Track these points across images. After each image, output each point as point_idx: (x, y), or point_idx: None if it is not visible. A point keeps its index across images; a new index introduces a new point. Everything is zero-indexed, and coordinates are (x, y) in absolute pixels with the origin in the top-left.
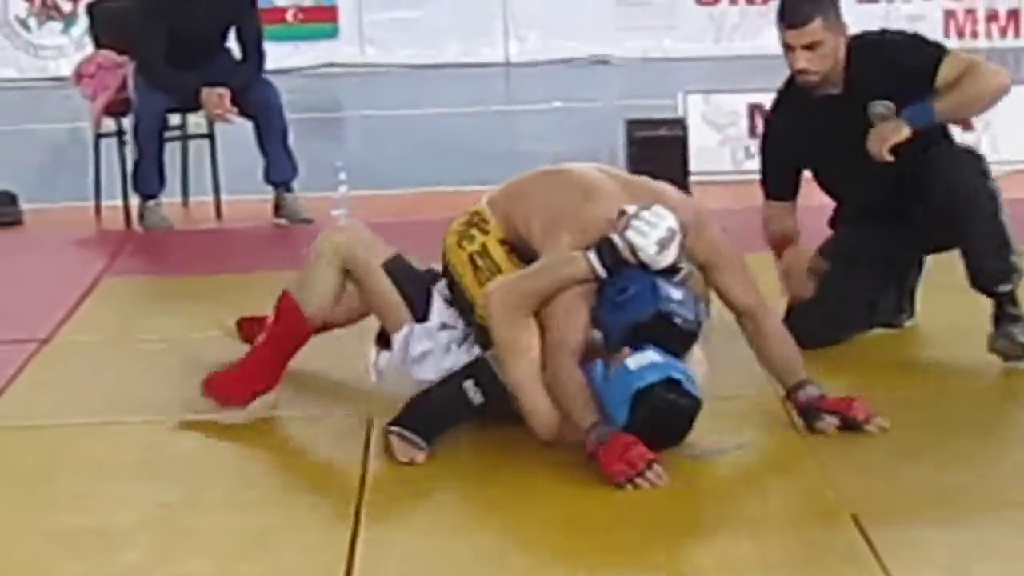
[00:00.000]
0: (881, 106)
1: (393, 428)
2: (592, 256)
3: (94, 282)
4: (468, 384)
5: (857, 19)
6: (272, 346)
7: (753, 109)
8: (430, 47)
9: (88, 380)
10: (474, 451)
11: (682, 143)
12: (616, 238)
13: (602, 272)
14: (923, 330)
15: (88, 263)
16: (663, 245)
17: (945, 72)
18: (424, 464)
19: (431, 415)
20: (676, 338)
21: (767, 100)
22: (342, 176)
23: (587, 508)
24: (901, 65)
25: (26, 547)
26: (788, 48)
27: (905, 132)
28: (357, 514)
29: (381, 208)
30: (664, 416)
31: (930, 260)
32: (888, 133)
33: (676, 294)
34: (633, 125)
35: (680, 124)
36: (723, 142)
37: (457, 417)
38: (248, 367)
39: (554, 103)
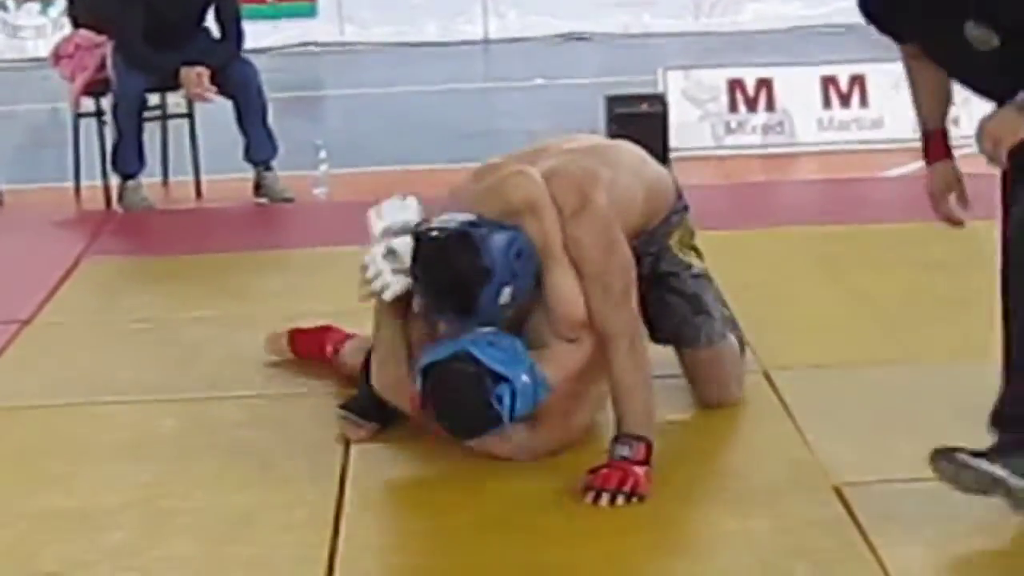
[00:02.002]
0: (979, 30)
1: (339, 410)
2: None
3: (75, 263)
4: None
5: None
6: None
7: (733, 85)
8: (409, 25)
9: (70, 361)
10: None
11: (662, 119)
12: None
13: None
14: (902, 302)
15: (68, 244)
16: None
17: None
18: (408, 444)
19: (372, 395)
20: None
21: (747, 76)
22: (322, 155)
23: (571, 484)
24: None
25: (9, 529)
26: None
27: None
28: (341, 493)
29: (361, 186)
30: (442, 384)
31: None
32: (1005, 129)
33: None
34: (613, 101)
35: (660, 100)
36: (703, 118)
37: None
38: None
39: (535, 80)
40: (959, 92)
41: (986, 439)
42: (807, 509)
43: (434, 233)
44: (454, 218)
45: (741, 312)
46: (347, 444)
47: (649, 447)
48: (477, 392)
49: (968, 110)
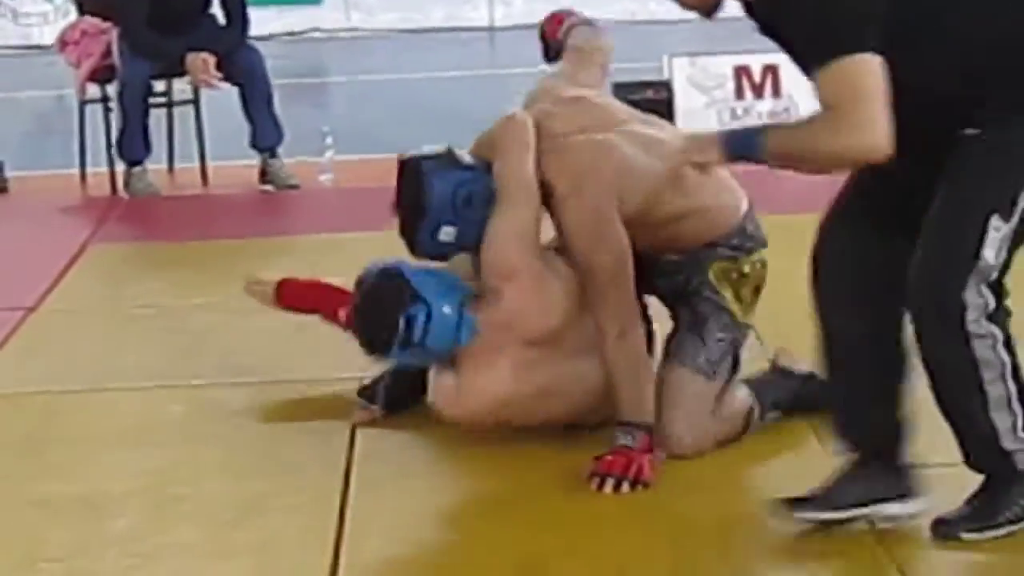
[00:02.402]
0: None
1: (359, 397)
2: None
3: (80, 249)
4: None
5: None
6: None
7: (739, 71)
8: (415, 11)
9: (75, 347)
10: None
11: (668, 106)
12: None
13: None
14: None
15: (74, 230)
16: None
17: (822, 88)
18: (414, 430)
19: (389, 383)
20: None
21: (753, 62)
22: (328, 141)
23: (576, 471)
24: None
25: (14, 516)
26: None
27: (714, 157)
28: (347, 479)
29: (366, 173)
30: (365, 294)
31: None
32: (695, 149)
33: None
34: (619, 88)
35: (666, 87)
36: (709, 105)
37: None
38: None
39: (540, 66)
40: None
41: None
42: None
43: (405, 158)
44: (434, 150)
45: None
46: (353, 430)
47: (650, 434)
48: (391, 304)
49: None
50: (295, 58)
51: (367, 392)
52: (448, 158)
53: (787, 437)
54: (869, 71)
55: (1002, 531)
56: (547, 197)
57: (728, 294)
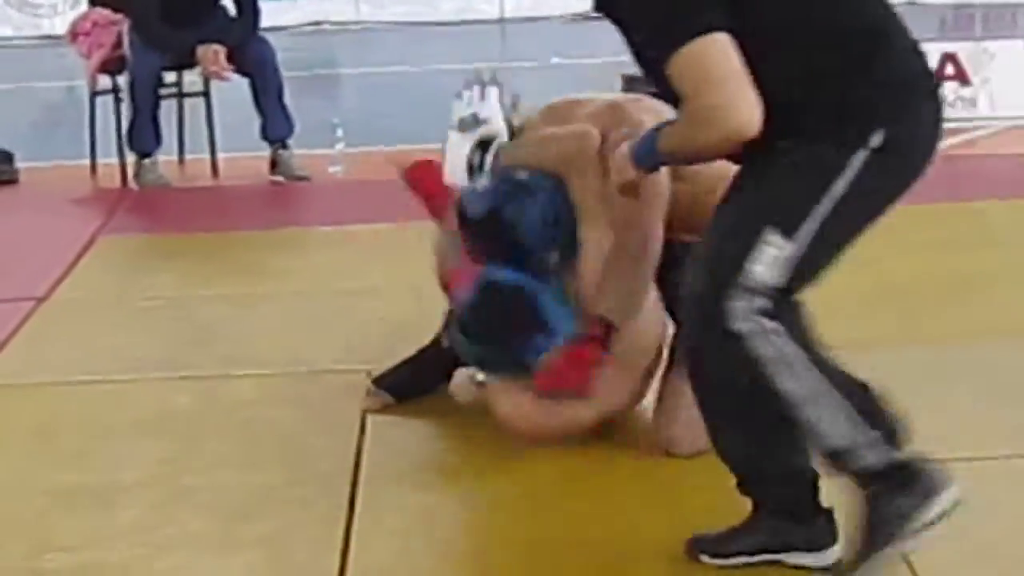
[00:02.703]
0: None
1: (370, 384)
2: None
3: (91, 240)
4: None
5: None
6: None
7: None
8: (424, 4)
9: (86, 338)
10: (477, 412)
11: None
12: None
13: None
14: (920, 283)
15: (84, 221)
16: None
17: (675, 80)
18: (425, 421)
19: (403, 372)
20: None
21: None
22: (339, 133)
23: (591, 464)
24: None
25: (25, 506)
26: None
27: (630, 174)
28: (356, 469)
29: (377, 165)
30: (501, 298)
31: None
32: (618, 168)
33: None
34: (629, 81)
35: None
36: None
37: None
38: None
39: (550, 59)
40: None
41: (1004, 417)
42: (830, 488)
43: (474, 207)
44: (496, 181)
45: None
46: (363, 421)
47: (608, 330)
48: (517, 326)
49: (987, 90)
50: (306, 50)
51: (382, 381)
52: (517, 184)
53: None
54: (716, 51)
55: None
56: None
57: None
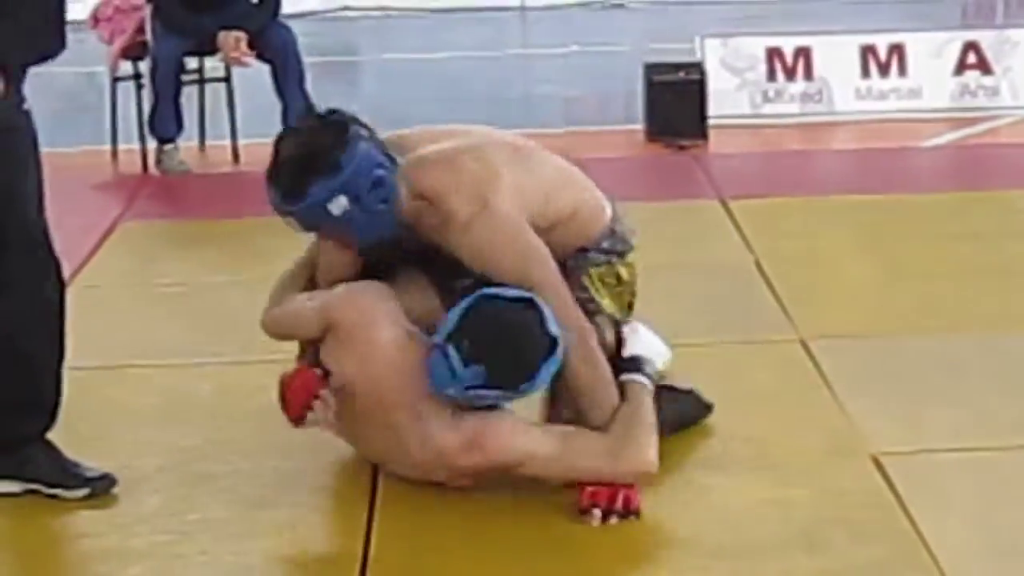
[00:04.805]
0: None
1: None
2: None
3: (112, 226)
4: None
5: None
6: None
7: (771, 53)
8: None
9: (106, 324)
10: None
11: (700, 87)
12: None
13: None
14: (939, 272)
15: (105, 207)
16: None
17: None
18: None
19: None
20: None
21: (785, 44)
22: None
23: None
24: None
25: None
26: None
27: None
28: None
29: None
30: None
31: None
32: None
33: None
34: (651, 69)
35: (698, 68)
36: (741, 86)
37: None
38: None
39: (571, 47)
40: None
41: (1021, 406)
42: (845, 479)
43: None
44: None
45: (778, 281)
46: None
47: None
48: (533, 345)
49: (1009, 79)
50: (326, 36)
51: None
52: (378, 139)
53: (822, 415)
54: None
55: None
56: (435, 225)
57: (606, 301)
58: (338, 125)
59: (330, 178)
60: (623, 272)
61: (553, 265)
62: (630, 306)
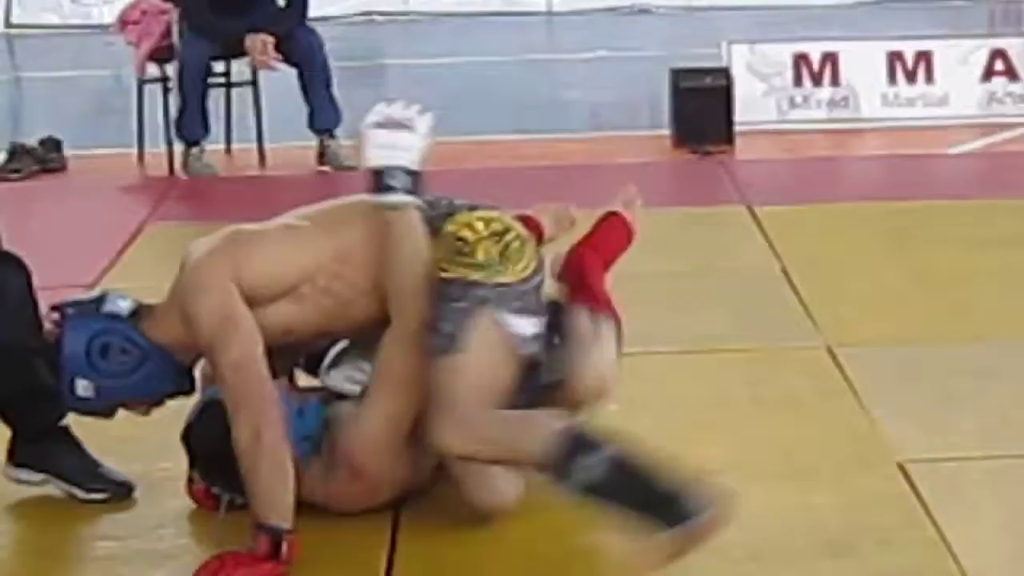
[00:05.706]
0: None
1: None
2: None
3: (138, 228)
4: None
5: None
6: None
7: (798, 59)
8: None
9: None
10: None
11: (727, 93)
12: None
13: None
14: (966, 279)
15: (132, 209)
16: None
17: None
18: None
19: None
20: None
21: (812, 50)
22: None
23: None
24: None
25: None
26: None
27: None
28: None
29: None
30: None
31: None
32: None
33: None
34: (677, 75)
35: (725, 74)
36: (768, 92)
37: None
38: None
39: (597, 52)
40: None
41: None
42: (871, 485)
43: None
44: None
45: (804, 287)
46: None
47: (278, 539)
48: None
49: None
50: (353, 41)
51: None
52: (94, 304)
53: (848, 421)
54: None
55: None
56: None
57: (460, 271)
58: (75, 321)
59: (61, 370)
60: (465, 232)
61: (253, 353)
62: (500, 248)
